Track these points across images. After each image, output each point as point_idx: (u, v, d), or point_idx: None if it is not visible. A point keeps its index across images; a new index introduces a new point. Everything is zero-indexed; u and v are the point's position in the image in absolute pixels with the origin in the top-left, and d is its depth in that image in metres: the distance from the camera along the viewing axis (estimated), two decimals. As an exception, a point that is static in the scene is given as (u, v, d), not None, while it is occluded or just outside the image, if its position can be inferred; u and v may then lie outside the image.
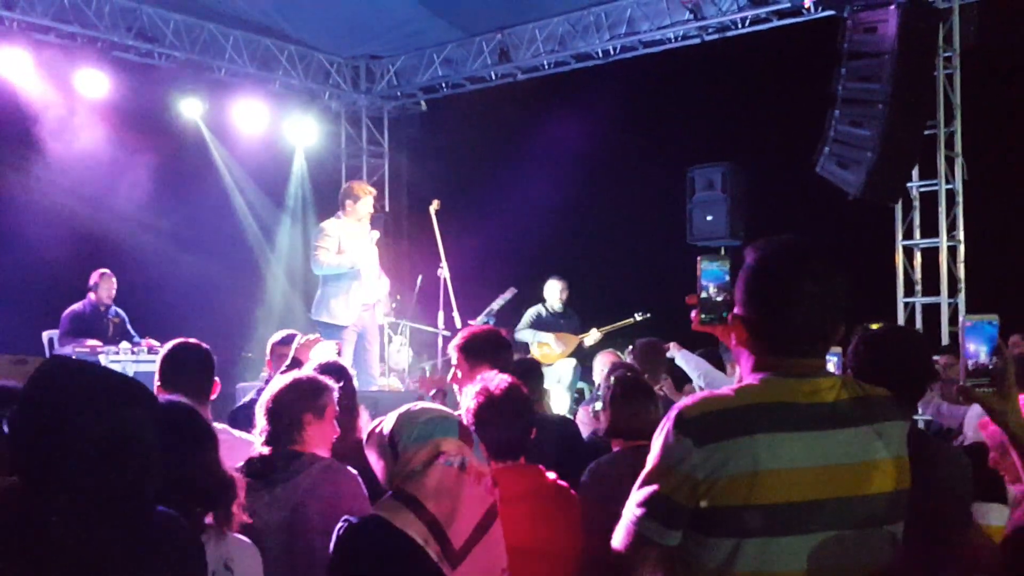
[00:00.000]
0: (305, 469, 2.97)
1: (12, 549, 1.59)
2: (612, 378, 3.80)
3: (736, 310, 2.01)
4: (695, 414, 1.89)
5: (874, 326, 2.97)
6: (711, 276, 2.10)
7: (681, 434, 1.88)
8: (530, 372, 4.56)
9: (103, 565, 1.59)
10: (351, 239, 7.16)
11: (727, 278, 2.09)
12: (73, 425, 1.62)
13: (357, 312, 7.20)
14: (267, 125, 11.06)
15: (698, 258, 2.12)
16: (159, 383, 3.66)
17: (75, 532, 1.59)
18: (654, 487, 1.89)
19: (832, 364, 2.98)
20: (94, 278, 8.59)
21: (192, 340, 3.93)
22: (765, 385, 1.93)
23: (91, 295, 8.57)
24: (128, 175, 9.91)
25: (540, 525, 2.94)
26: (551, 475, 3.12)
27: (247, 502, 2.76)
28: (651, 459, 1.92)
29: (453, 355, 3.88)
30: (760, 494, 1.83)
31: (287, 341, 5.17)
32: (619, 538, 1.95)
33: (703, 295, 2.10)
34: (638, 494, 1.92)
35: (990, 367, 1.99)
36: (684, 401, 1.93)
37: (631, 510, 1.93)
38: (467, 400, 3.09)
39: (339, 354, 6.74)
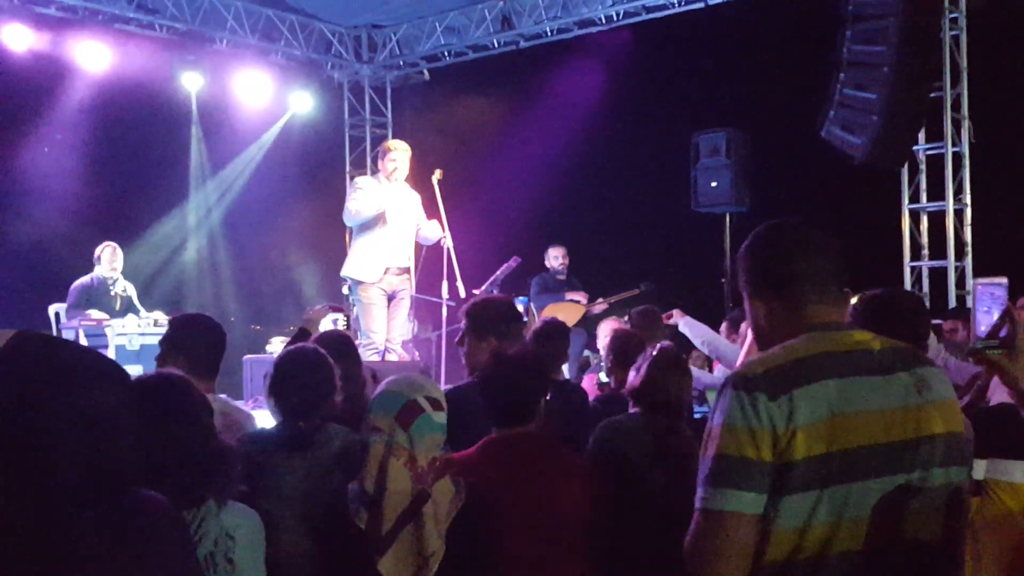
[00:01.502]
0: (330, 439, 3.01)
1: None
2: (657, 346, 3.73)
3: (748, 294, 2.03)
4: (759, 371, 1.86)
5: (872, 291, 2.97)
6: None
7: (752, 391, 1.83)
8: (556, 334, 4.53)
9: (78, 546, 1.55)
10: (380, 193, 7.11)
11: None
12: (41, 403, 1.56)
13: (381, 268, 7.15)
14: (270, 96, 11.03)
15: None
16: (163, 353, 3.64)
17: (47, 514, 1.55)
18: (734, 456, 1.81)
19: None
20: (98, 251, 8.59)
21: (204, 314, 3.92)
22: (809, 340, 1.92)
23: (97, 268, 8.58)
24: (131, 148, 9.91)
25: (546, 493, 2.89)
26: (558, 442, 3.11)
27: (276, 470, 2.80)
28: (718, 433, 1.84)
29: (463, 322, 3.87)
30: (840, 438, 1.82)
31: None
32: (702, 527, 1.84)
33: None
34: (714, 473, 1.83)
35: (1000, 329, 2.00)
36: (739, 367, 1.93)
37: (708, 492, 1.83)
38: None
39: (348, 325, 6.77)
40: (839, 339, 1.93)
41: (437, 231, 7.29)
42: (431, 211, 7.46)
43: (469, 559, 2.53)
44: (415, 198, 7.38)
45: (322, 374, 3.08)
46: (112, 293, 8.56)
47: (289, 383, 3.05)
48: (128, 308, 8.57)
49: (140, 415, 1.82)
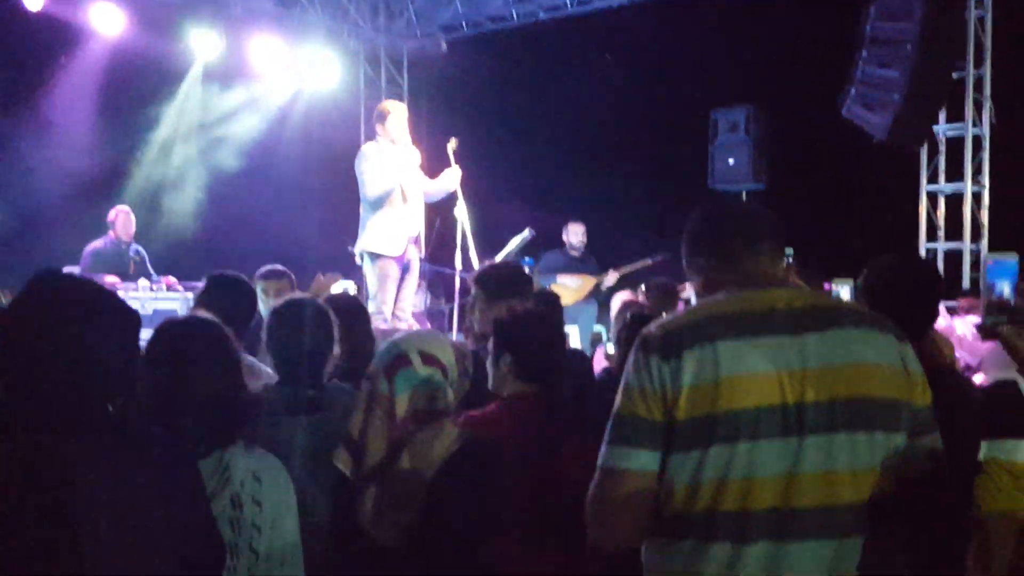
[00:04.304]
0: (332, 401, 2.98)
1: None
2: (628, 315, 3.76)
3: (687, 264, 2.11)
4: (658, 333, 1.92)
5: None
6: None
7: (647, 354, 1.90)
8: (550, 304, 4.50)
9: (69, 474, 1.63)
10: (391, 161, 7.01)
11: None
12: (39, 333, 1.70)
13: (404, 242, 7.08)
14: (284, 63, 10.97)
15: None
16: (196, 306, 3.65)
17: (40, 440, 1.64)
18: (629, 416, 1.89)
19: (846, 292, 2.94)
20: (112, 215, 8.60)
21: (238, 274, 3.94)
22: (724, 298, 1.97)
23: (111, 232, 8.59)
24: (144, 112, 9.89)
25: (548, 456, 2.84)
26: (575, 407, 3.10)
27: (283, 432, 2.79)
28: (620, 391, 1.93)
29: (473, 288, 3.86)
30: (724, 400, 1.84)
31: (268, 276, 5.10)
32: (600, 484, 1.93)
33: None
34: (613, 432, 1.92)
35: (1011, 304, 1.99)
36: (646, 327, 1.96)
37: (607, 450, 1.92)
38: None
39: (359, 293, 6.73)
40: (757, 298, 1.94)
41: (453, 180, 7.13)
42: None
43: (456, 509, 2.49)
44: (417, 157, 7.24)
45: (322, 329, 3.05)
46: (125, 257, 8.57)
47: (287, 338, 3.01)
48: (141, 272, 8.57)
49: (158, 355, 2.13)
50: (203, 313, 2.56)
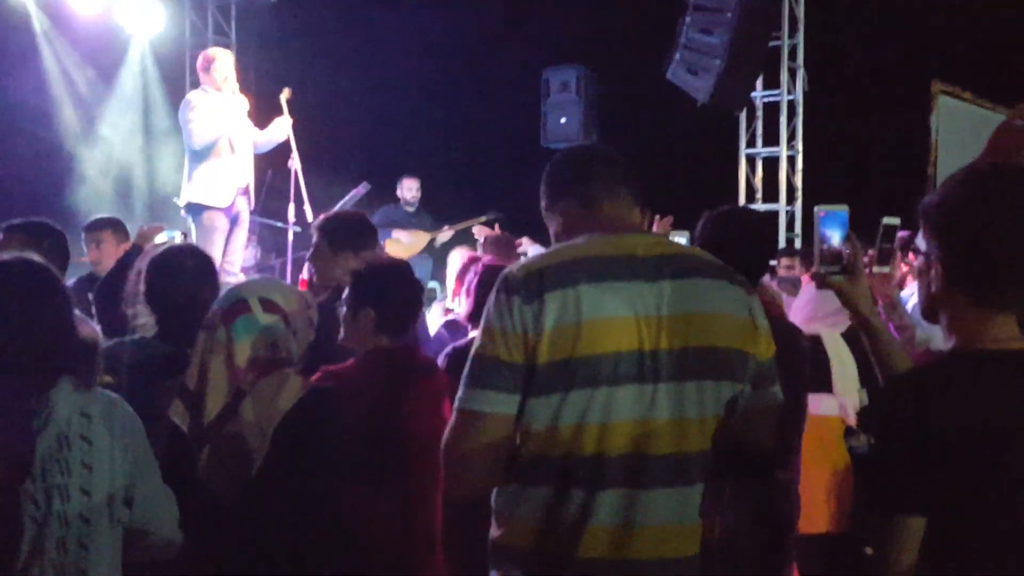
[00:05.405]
0: None
1: None
2: (481, 265, 3.73)
3: (545, 207, 2.10)
4: (521, 275, 1.88)
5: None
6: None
7: (509, 295, 1.86)
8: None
9: None
10: (216, 109, 6.75)
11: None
12: None
13: (232, 193, 6.84)
14: (103, 7, 10.35)
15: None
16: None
17: None
18: (489, 357, 1.86)
19: (683, 241, 3.09)
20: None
21: (45, 220, 3.86)
22: (586, 241, 1.95)
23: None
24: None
25: (407, 408, 2.88)
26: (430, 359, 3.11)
27: (162, 394, 2.61)
28: (480, 333, 1.90)
29: (315, 235, 3.74)
30: (584, 344, 1.82)
31: (93, 227, 5.05)
32: (457, 425, 1.89)
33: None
34: (470, 373, 1.88)
35: (844, 254, 2.09)
36: (508, 268, 1.93)
37: (464, 391, 1.88)
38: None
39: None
40: (616, 242, 1.94)
41: (283, 130, 6.96)
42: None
43: (299, 460, 2.44)
44: (245, 105, 7.00)
45: (206, 277, 2.92)
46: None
47: (167, 289, 2.87)
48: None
49: None
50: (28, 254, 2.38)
